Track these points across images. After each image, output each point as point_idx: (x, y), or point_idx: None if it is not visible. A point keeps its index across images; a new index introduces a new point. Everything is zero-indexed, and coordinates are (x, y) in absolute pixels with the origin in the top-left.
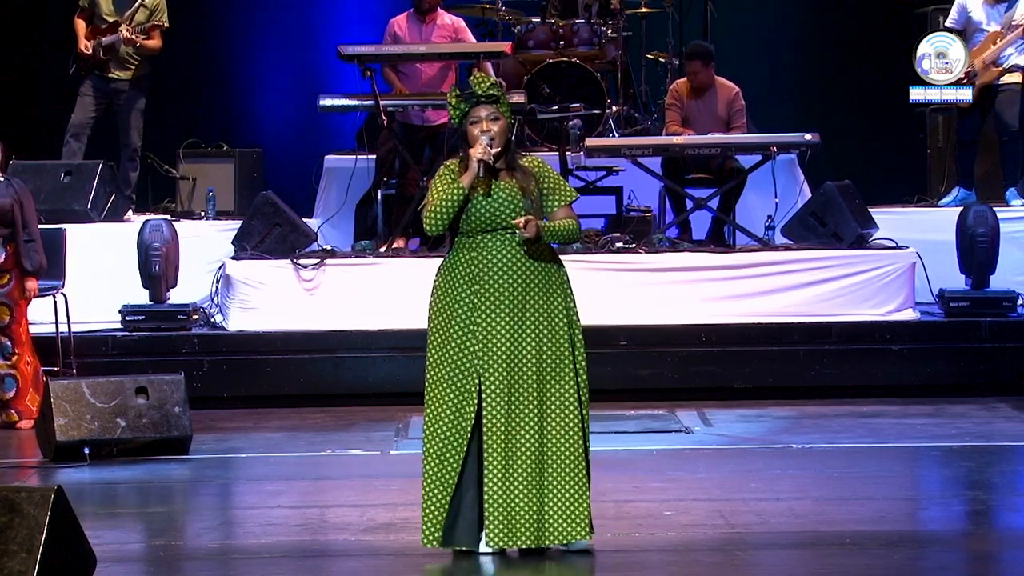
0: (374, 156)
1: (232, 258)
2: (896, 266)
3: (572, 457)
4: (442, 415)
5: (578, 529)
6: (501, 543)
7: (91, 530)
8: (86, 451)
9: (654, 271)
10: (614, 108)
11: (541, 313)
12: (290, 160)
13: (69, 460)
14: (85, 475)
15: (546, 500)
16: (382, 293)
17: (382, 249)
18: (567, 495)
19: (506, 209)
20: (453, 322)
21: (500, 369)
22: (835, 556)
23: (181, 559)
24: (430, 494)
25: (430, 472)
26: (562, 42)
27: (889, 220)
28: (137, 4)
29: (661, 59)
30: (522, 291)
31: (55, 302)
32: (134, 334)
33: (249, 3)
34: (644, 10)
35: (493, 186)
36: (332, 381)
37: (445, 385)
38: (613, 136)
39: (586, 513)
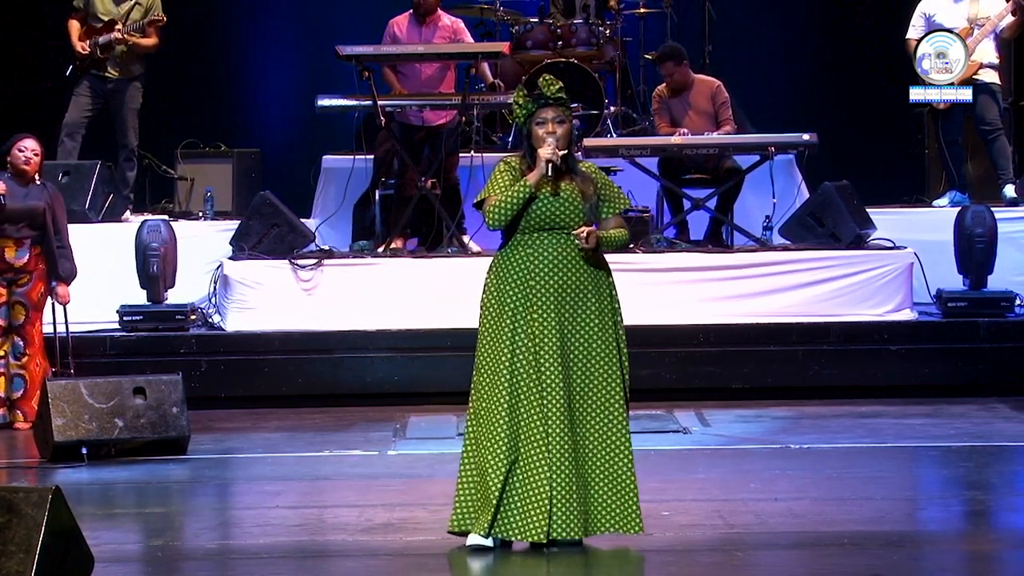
0: (372, 156)
1: (230, 258)
2: (894, 266)
3: (618, 455)
4: (498, 411)
5: (627, 522)
6: (535, 536)
7: (89, 530)
8: (84, 451)
9: (652, 271)
10: (612, 108)
11: (592, 313)
12: (288, 160)
13: (67, 460)
14: (83, 475)
15: (591, 495)
16: (380, 293)
17: (380, 249)
18: (612, 491)
19: (567, 210)
20: (505, 317)
21: (554, 364)
22: (834, 556)
23: (179, 559)
24: (473, 485)
25: (481, 462)
26: (560, 42)
27: (887, 220)
28: (132, 2)
29: None
30: (574, 290)
31: (53, 303)
32: (132, 334)
33: (247, 3)
34: (642, 10)
35: (556, 187)
36: (330, 381)
37: (501, 379)
38: (611, 136)
39: (636, 509)
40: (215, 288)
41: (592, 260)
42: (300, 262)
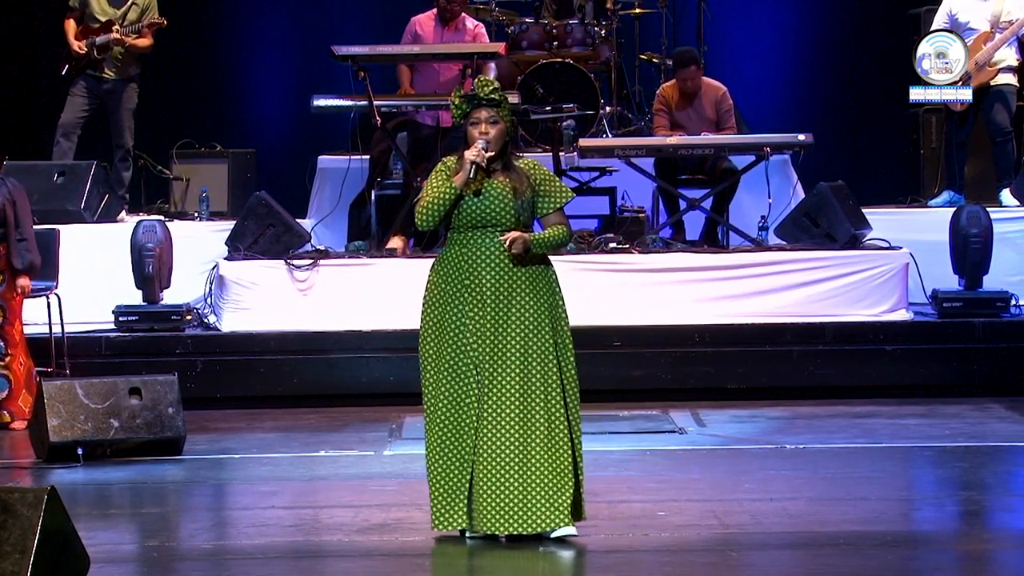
0: (368, 157)
1: (225, 259)
2: (889, 267)
3: (555, 449)
4: (444, 407)
5: (560, 517)
6: (488, 528)
7: (85, 531)
8: (80, 452)
9: (647, 272)
10: (607, 109)
11: (526, 309)
12: (283, 161)
13: (62, 461)
14: (78, 476)
15: (530, 489)
16: (376, 294)
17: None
18: (550, 485)
19: (496, 207)
20: (448, 316)
21: (494, 360)
22: (829, 556)
23: (175, 560)
24: (441, 483)
25: (437, 462)
26: (556, 43)
27: (882, 221)
28: (129, 3)
29: (654, 60)
30: (508, 287)
31: (48, 303)
32: (128, 335)
33: (243, 3)
34: (638, 11)
35: (485, 184)
36: (326, 381)
37: (443, 377)
38: (606, 137)
39: (568, 503)
40: (211, 288)
41: (526, 258)
42: (296, 262)
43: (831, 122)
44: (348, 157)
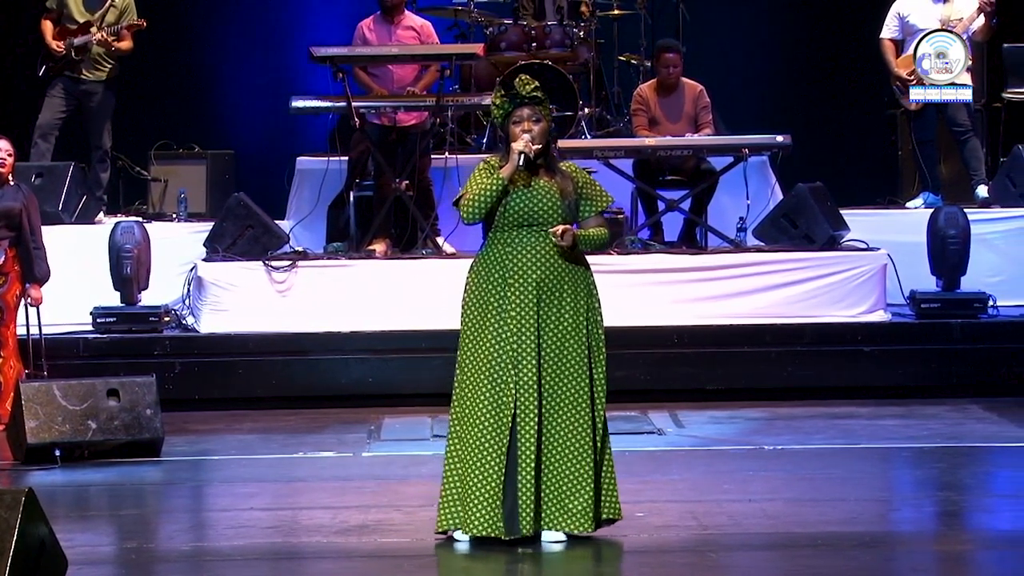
0: (346, 158)
1: (204, 260)
2: (867, 268)
3: (579, 454)
4: (481, 407)
5: (568, 521)
6: (534, 529)
7: (63, 533)
8: (57, 453)
9: (626, 273)
10: (586, 110)
11: (566, 311)
12: (262, 162)
13: (40, 462)
14: (56, 477)
15: (546, 493)
16: (354, 295)
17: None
18: (563, 488)
19: (544, 206)
20: (488, 314)
21: (532, 360)
22: (807, 557)
23: (153, 562)
24: (465, 482)
25: (464, 461)
26: (534, 44)
27: (860, 222)
28: (107, 5)
29: (633, 61)
30: (551, 288)
31: (26, 304)
32: (106, 336)
33: (221, 4)
34: (616, 12)
35: (532, 183)
36: (305, 383)
37: (483, 377)
38: (585, 138)
39: (581, 508)
40: (189, 290)
41: (570, 258)
42: (274, 264)
43: (809, 123)
44: (327, 158)
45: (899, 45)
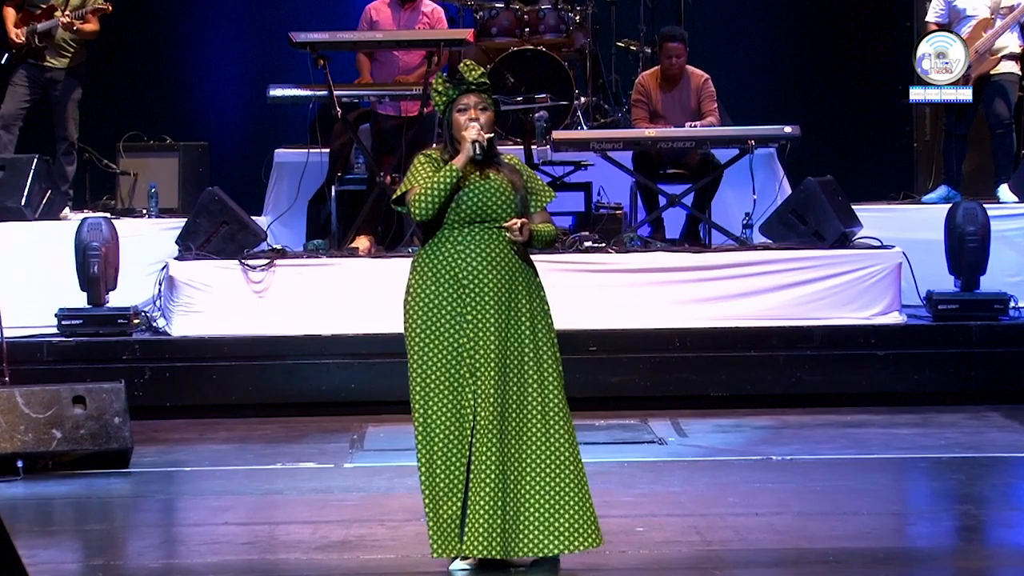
0: (327, 150)
1: (176, 258)
2: (881, 266)
3: (562, 469)
4: (441, 419)
5: (555, 541)
6: (480, 552)
7: (25, 549)
8: (20, 464)
9: (625, 272)
10: (582, 99)
11: (523, 315)
12: (238, 154)
13: (1, 474)
14: (18, 490)
15: (524, 510)
16: (336, 295)
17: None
18: (546, 506)
19: (498, 200)
20: (441, 319)
21: (492, 368)
22: (817, 574)
23: None
24: (439, 502)
25: (433, 480)
26: (527, 29)
27: (874, 218)
28: None
29: (632, 47)
30: (509, 287)
31: None
32: (71, 340)
33: None
34: None
35: (484, 176)
36: (283, 389)
37: (439, 386)
38: (581, 129)
39: (567, 525)
40: (160, 290)
41: (522, 256)
42: (251, 262)
43: (819, 113)
44: (307, 150)
45: (944, 31)
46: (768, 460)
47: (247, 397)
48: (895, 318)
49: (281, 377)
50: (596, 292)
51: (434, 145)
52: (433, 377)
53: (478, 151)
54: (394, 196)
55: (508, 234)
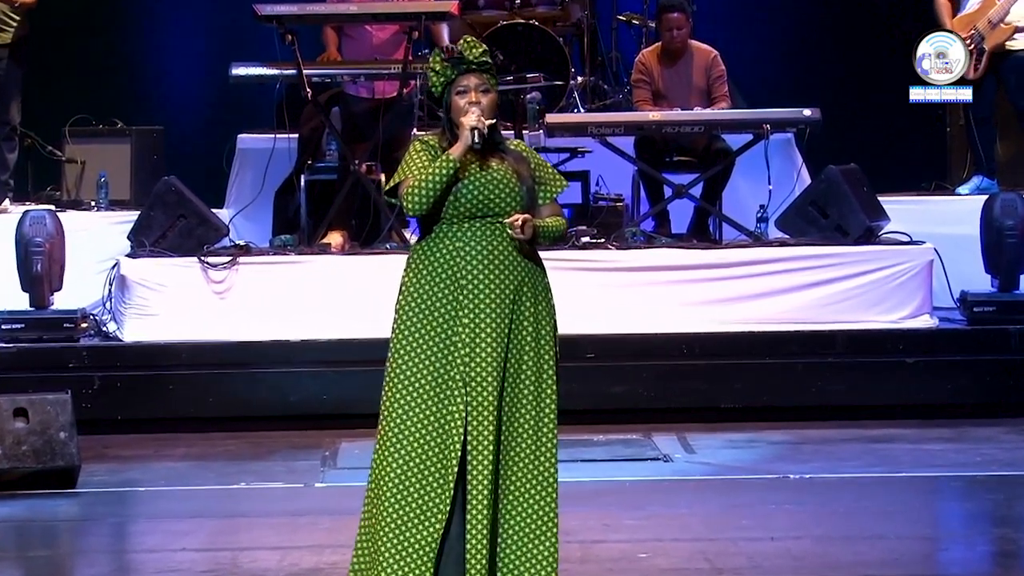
0: (296, 135)
1: (128, 256)
2: (910, 264)
3: (544, 493)
4: (420, 430)
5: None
6: None
7: None
8: None
9: (626, 271)
10: (579, 79)
11: (526, 319)
12: (197, 140)
13: None
14: None
15: (506, 537)
16: (306, 297)
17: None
18: (527, 531)
19: (501, 193)
20: (435, 322)
21: (489, 378)
22: None
23: None
24: (406, 525)
25: (407, 504)
26: (518, 1)
27: (902, 211)
28: None
29: (635, 21)
30: (514, 289)
31: None
32: (11, 346)
33: None
34: None
35: (485, 166)
36: (247, 401)
37: (423, 395)
38: (578, 112)
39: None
40: (110, 291)
41: (527, 254)
42: (211, 260)
43: (842, 95)
44: (273, 136)
45: (955, 3)
46: (785, 479)
47: (207, 409)
48: (926, 321)
49: (245, 387)
50: (594, 293)
51: (414, 131)
52: (417, 386)
53: (477, 139)
54: (386, 187)
55: (510, 231)
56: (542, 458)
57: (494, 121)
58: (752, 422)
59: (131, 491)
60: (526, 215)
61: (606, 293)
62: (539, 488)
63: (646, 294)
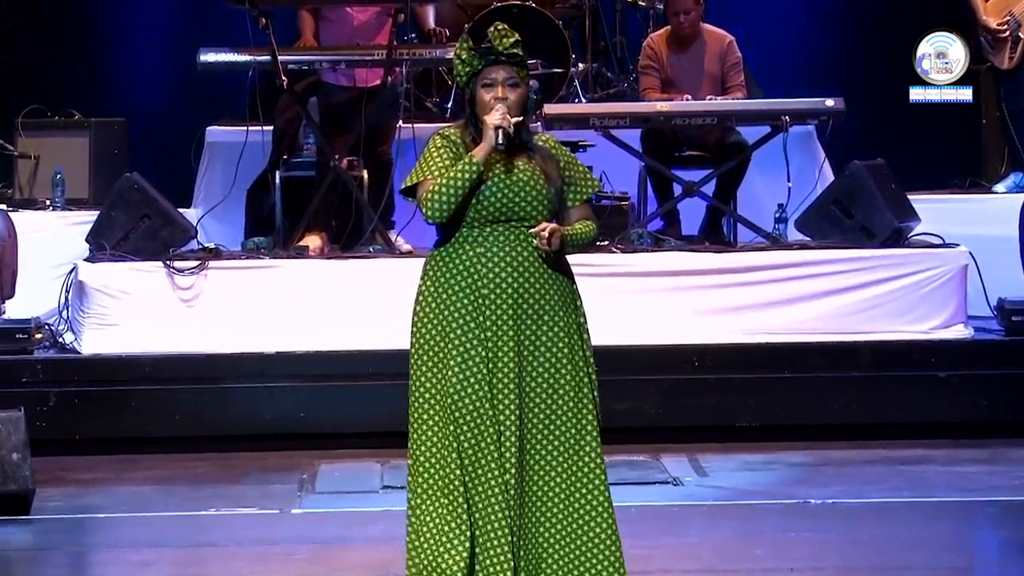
0: (270, 128)
1: (87, 260)
2: (942, 269)
3: (595, 511)
4: (450, 449)
5: None
6: None
7: None
8: None
9: (633, 276)
10: (580, 66)
11: (558, 329)
12: (162, 133)
13: None
14: None
15: (548, 561)
16: (282, 305)
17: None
18: (587, 556)
19: (527, 196)
20: (453, 335)
21: (512, 398)
22: None
23: None
24: (444, 545)
25: (437, 516)
26: None
27: (933, 210)
28: None
29: (641, 3)
30: (536, 300)
31: None
32: None
33: None
34: None
35: (511, 166)
36: (217, 419)
37: (449, 415)
38: (579, 102)
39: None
40: (67, 298)
41: (553, 262)
42: (178, 265)
43: (867, 84)
44: (245, 128)
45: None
46: (805, 504)
47: (173, 428)
48: (959, 332)
49: (215, 404)
50: (597, 300)
51: (399, 122)
52: (443, 403)
53: (503, 139)
54: (403, 186)
55: (535, 243)
56: (590, 478)
57: (521, 119)
58: (769, 442)
59: (90, 518)
60: (553, 225)
61: (610, 300)
62: (591, 509)
63: (654, 301)
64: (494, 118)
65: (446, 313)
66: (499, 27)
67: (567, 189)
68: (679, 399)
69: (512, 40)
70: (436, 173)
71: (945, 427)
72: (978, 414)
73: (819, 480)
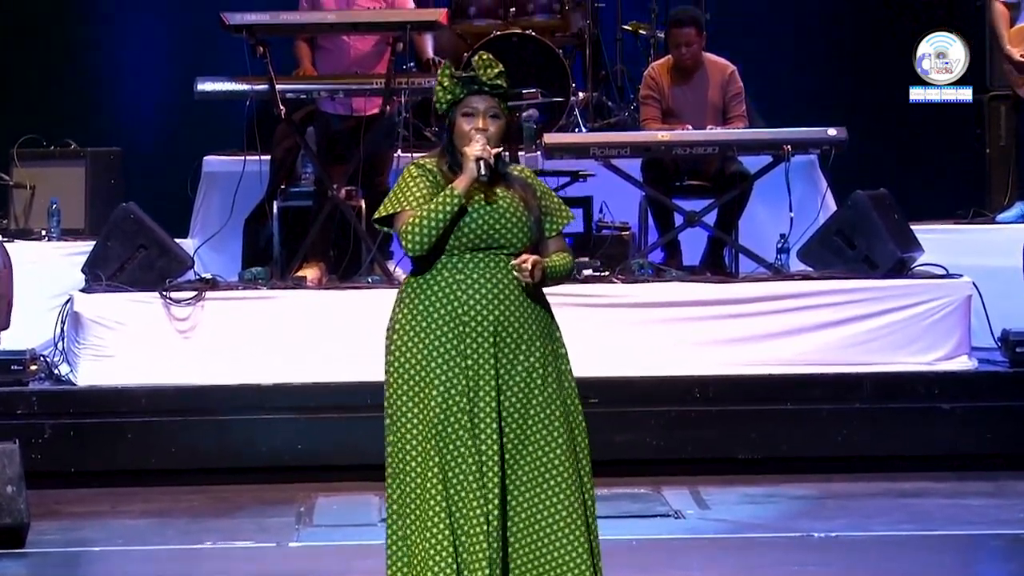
0: (268, 157)
1: (82, 291)
2: (946, 300)
3: (568, 550)
4: (430, 483)
5: None
6: None
7: None
8: None
9: (633, 307)
10: (580, 95)
11: (535, 360)
12: (158, 163)
13: None
14: None
15: None
16: (279, 336)
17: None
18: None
19: (508, 224)
20: (433, 365)
21: (493, 428)
22: None
23: None
24: None
25: (421, 552)
26: (513, 9)
27: (937, 240)
28: None
29: (642, 31)
30: (515, 330)
31: None
32: None
33: None
34: None
35: (491, 195)
36: (213, 451)
37: (430, 446)
38: (579, 131)
39: None
40: (63, 330)
41: (531, 293)
42: (174, 295)
43: (870, 113)
44: (243, 158)
45: (1013, 11)
46: (808, 538)
47: (169, 461)
48: (964, 363)
49: (211, 436)
50: (598, 331)
51: (398, 152)
52: (423, 435)
53: (484, 171)
54: (376, 215)
55: (517, 275)
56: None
57: (500, 149)
58: (771, 474)
59: (85, 551)
60: (535, 257)
61: (610, 331)
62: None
63: (654, 333)
64: (475, 149)
65: (427, 342)
66: (484, 57)
67: (544, 219)
68: (680, 431)
69: (496, 71)
70: (415, 204)
71: (949, 460)
72: (982, 446)
73: (822, 513)
